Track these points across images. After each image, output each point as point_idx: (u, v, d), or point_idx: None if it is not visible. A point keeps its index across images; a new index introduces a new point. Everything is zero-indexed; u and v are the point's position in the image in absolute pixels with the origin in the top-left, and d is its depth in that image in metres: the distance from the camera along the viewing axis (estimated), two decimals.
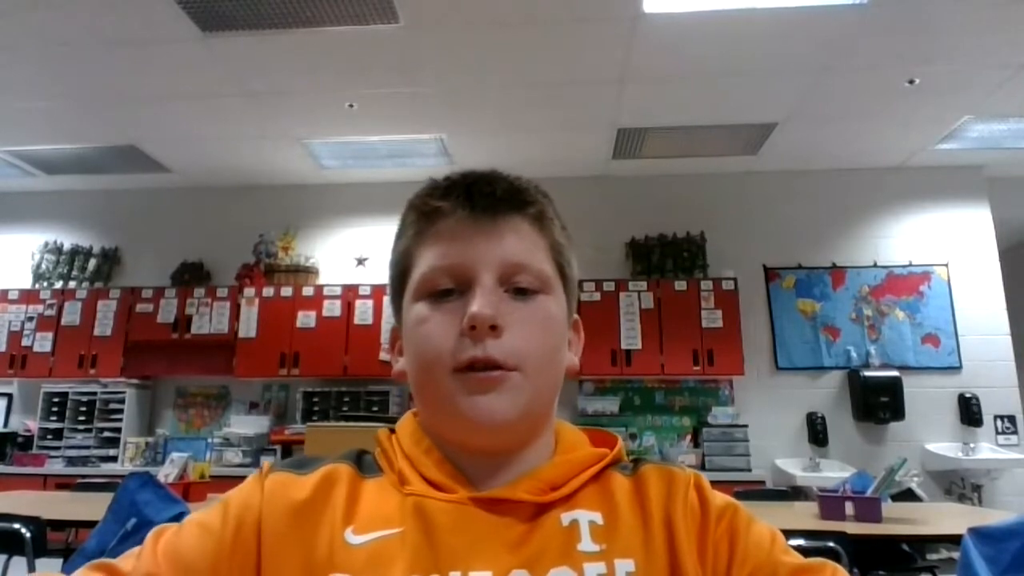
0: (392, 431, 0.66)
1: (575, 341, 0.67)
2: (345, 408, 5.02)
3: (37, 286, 5.57)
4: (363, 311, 5.14)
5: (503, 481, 0.59)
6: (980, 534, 2.01)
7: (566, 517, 0.57)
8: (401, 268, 0.64)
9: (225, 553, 0.56)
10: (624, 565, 0.54)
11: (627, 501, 0.59)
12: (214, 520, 0.58)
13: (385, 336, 5.02)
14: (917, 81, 4.02)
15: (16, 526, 2.21)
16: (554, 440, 0.64)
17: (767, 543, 0.58)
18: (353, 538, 0.55)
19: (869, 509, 2.36)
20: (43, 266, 5.67)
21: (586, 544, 0.55)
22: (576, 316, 0.67)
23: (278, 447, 4.94)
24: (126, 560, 0.56)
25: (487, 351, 0.56)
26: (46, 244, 5.74)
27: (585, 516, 0.57)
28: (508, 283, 0.59)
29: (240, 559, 0.56)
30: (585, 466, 0.61)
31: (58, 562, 2.60)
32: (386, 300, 4.85)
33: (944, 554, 4.00)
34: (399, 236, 0.65)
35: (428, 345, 0.58)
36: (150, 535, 0.58)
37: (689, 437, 4.96)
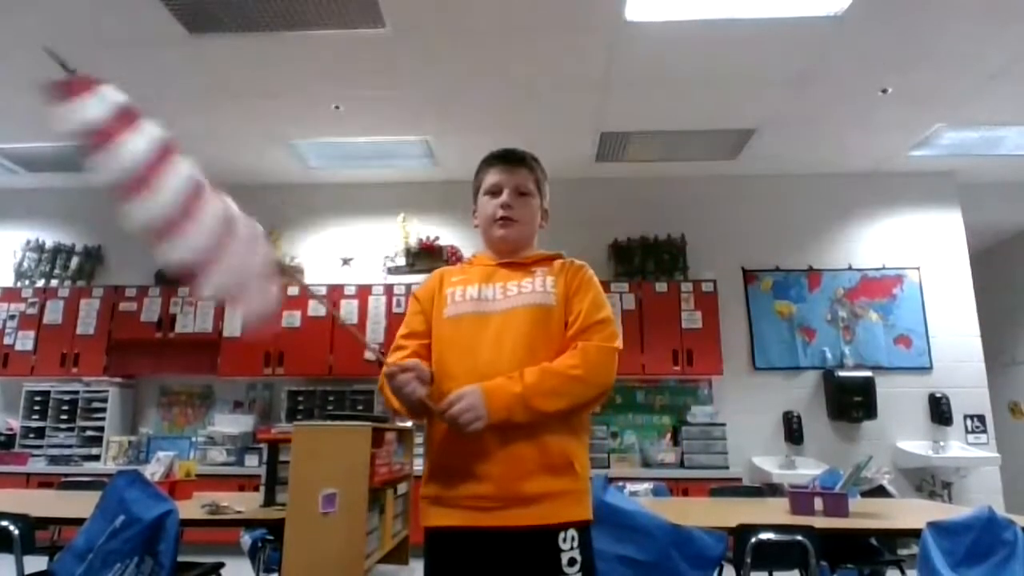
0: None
1: (543, 213, 1.56)
2: (330, 407, 5.05)
3: (19, 284, 5.55)
4: (348, 311, 5.18)
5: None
6: (938, 528, 2.12)
7: (535, 269, 1.46)
8: (478, 182, 1.54)
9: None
10: (550, 281, 1.44)
11: (557, 269, 1.47)
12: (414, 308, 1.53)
13: (370, 336, 5.11)
14: (890, 90, 4.14)
15: (4, 523, 2.22)
16: (534, 250, 1.53)
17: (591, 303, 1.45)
18: (453, 278, 1.49)
19: (837, 504, 2.45)
20: (25, 264, 5.64)
21: (540, 276, 1.45)
22: (546, 205, 1.57)
23: (264, 445, 4.95)
24: (399, 349, 1.46)
25: (507, 214, 1.46)
26: (28, 242, 5.71)
27: (542, 270, 1.46)
28: (517, 191, 1.48)
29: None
30: (545, 256, 1.50)
31: (44, 560, 2.62)
32: (371, 299, 5.30)
33: (915, 549, 4.10)
34: (479, 172, 1.54)
35: (486, 211, 1.49)
36: (398, 337, 1.49)
37: (669, 435, 5.05)
